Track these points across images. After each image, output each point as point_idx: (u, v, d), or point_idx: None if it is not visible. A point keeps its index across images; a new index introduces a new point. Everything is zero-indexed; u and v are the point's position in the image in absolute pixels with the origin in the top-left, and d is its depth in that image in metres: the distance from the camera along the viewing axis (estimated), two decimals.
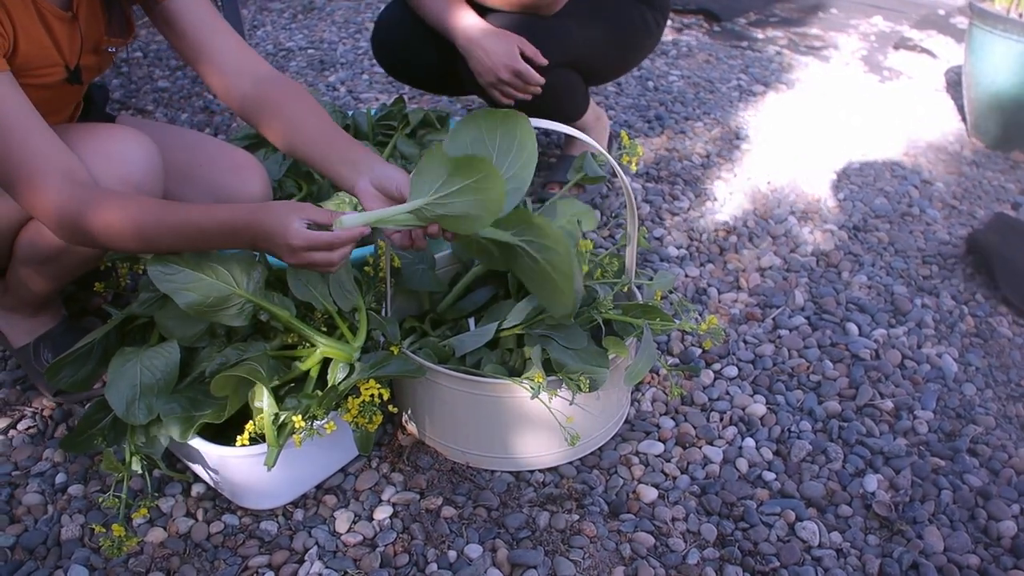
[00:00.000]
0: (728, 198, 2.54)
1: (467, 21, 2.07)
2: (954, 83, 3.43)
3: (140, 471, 1.46)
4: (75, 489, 1.63)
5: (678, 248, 2.31)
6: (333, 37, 3.75)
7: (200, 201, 1.76)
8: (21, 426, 1.78)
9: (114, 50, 1.65)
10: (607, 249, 2.06)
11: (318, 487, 1.62)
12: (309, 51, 3.60)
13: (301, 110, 1.55)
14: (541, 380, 1.46)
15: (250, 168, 1.82)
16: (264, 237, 1.32)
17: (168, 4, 1.59)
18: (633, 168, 1.80)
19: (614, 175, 2.48)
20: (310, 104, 1.57)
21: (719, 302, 2.12)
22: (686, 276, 2.20)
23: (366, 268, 1.64)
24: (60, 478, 1.65)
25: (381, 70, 3.37)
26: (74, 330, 1.87)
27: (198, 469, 1.58)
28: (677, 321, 1.59)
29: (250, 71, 1.60)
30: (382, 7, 4.03)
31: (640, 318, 1.58)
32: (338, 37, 3.75)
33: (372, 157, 1.46)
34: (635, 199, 2.50)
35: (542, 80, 2.07)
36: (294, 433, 1.39)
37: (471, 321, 1.70)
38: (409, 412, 1.69)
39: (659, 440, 1.73)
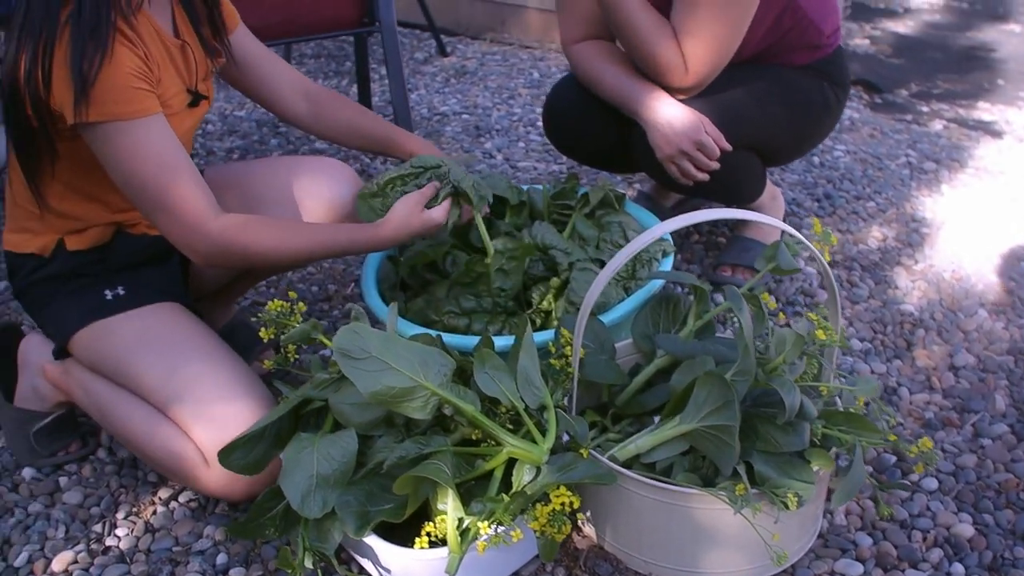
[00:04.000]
0: (911, 287, 2.38)
1: (652, 94, 2.00)
2: None
3: (312, 567, 1.40)
4: (236, 572, 1.58)
5: (861, 341, 2.16)
6: (487, 103, 3.74)
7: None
8: (182, 498, 1.75)
9: (215, 71, 1.81)
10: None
11: None
12: (463, 116, 3.59)
13: (352, 114, 1.96)
14: (743, 492, 1.35)
15: (336, 166, 1.94)
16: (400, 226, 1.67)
17: (233, 37, 1.80)
18: (826, 259, 1.67)
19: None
20: (355, 107, 2.00)
21: (911, 403, 1.96)
22: (872, 372, 2.05)
23: (552, 361, 1.56)
24: (221, 559, 1.61)
25: (536, 138, 3.33)
26: None
27: (366, 564, 1.51)
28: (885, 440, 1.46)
29: (302, 88, 1.91)
30: (533, 72, 4.05)
31: (847, 431, 1.46)
32: (492, 103, 3.74)
33: (405, 135, 1.97)
34: (813, 286, 2.37)
35: (719, 154, 1.99)
36: (477, 539, 1.31)
37: (656, 419, 1.59)
38: (588, 514, 1.59)
39: (857, 560, 1.58)
